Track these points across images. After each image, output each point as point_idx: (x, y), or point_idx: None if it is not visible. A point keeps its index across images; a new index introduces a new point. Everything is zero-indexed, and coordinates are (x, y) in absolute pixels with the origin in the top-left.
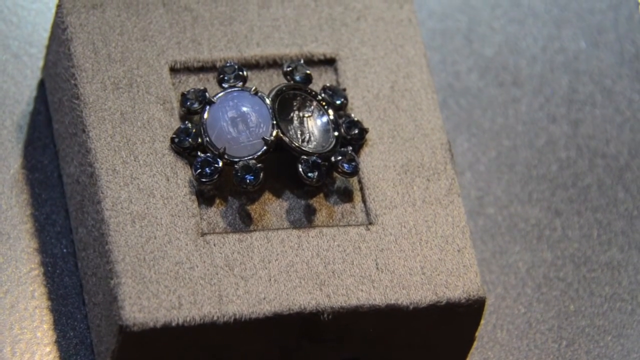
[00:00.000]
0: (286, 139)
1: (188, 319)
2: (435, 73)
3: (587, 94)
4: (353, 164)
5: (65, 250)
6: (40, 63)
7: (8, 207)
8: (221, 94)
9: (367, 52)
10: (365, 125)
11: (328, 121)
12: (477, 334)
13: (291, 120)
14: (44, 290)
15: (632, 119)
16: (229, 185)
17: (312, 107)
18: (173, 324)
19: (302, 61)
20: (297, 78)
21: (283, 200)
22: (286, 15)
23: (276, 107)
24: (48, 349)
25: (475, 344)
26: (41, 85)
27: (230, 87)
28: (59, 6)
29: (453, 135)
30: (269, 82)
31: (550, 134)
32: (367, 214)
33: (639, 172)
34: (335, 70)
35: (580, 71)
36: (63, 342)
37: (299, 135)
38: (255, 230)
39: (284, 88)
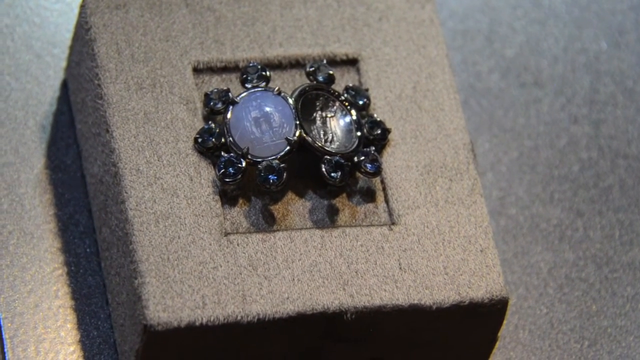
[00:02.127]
0: (309, 139)
1: (212, 319)
2: (457, 73)
3: (609, 95)
4: (376, 164)
5: (88, 250)
6: (63, 63)
7: (32, 207)
8: (244, 94)
9: (389, 53)
10: (388, 125)
11: (351, 121)
12: (499, 334)
13: (314, 121)
14: (68, 290)
15: None
16: (252, 185)
17: (335, 107)
18: (197, 324)
19: (324, 61)
20: (320, 78)
21: (306, 200)
22: (309, 15)
23: (299, 107)
24: (72, 348)
25: (497, 344)
26: (64, 85)
27: (254, 87)
28: (82, 6)
29: (474, 136)
30: (291, 82)
31: (571, 135)
32: (390, 214)
33: None
34: (358, 70)
35: (602, 72)
36: (87, 341)
37: (321, 136)
38: (278, 230)
39: (307, 88)
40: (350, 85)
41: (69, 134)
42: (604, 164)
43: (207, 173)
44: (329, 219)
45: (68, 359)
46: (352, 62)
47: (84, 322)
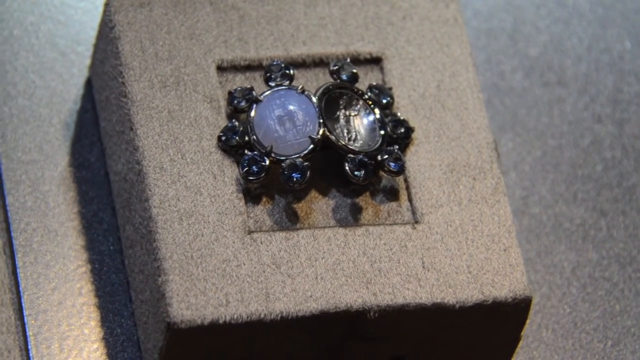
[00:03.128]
0: (333, 138)
1: (235, 317)
2: (480, 73)
3: (633, 94)
4: (399, 162)
5: (112, 248)
6: (88, 61)
7: (55, 204)
8: (268, 92)
9: (413, 51)
10: (412, 124)
11: (374, 120)
12: (522, 333)
13: (337, 119)
14: (91, 287)
15: None
16: (276, 184)
17: (359, 105)
18: (220, 322)
19: (348, 60)
20: (344, 77)
21: (329, 199)
22: (332, 14)
23: (323, 105)
24: (95, 346)
25: (520, 343)
26: (88, 83)
27: (277, 85)
28: (107, 4)
29: (498, 135)
30: (315, 80)
31: (595, 134)
32: (413, 212)
33: None
34: (381, 69)
35: (625, 71)
36: (110, 338)
37: (345, 134)
38: (301, 229)
39: (331, 87)
40: (374, 83)
41: (93, 132)
42: (628, 163)
43: (230, 171)
44: (352, 218)
45: (91, 356)
46: (375, 61)
47: (108, 320)
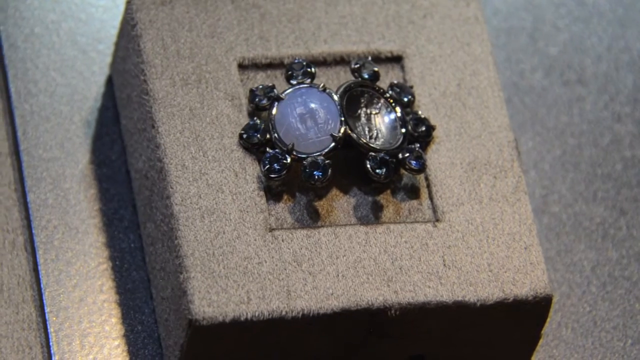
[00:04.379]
0: (354, 136)
1: (257, 314)
2: (500, 71)
3: None
4: (420, 160)
5: (133, 245)
6: (109, 59)
7: (77, 202)
8: (289, 90)
9: (433, 50)
10: (432, 122)
11: (395, 118)
12: (543, 331)
13: (359, 117)
14: (112, 284)
15: None
16: (297, 181)
17: (380, 104)
18: (242, 319)
19: (369, 58)
20: (365, 75)
21: (350, 197)
22: (353, 12)
23: (344, 103)
24: (116, 343)
25: (540, 341)
26: (109, 81)
27: (299, 83)
28: (128, 2)
29: (518, 134)
30: (336, 79)
31: (615, 133)
32: (434, 210)
33: None
34: (402, 67)
35: None
36: (131, 335)
37: (366, 132)
38: (323, 226)
39: (352, 85)
40: (395, 82)
41: (114, 130)
42: None
43: (252, 169)
44: (373, 216)
45: (112, 353)
46: (396, 59)
47: (129, 317)
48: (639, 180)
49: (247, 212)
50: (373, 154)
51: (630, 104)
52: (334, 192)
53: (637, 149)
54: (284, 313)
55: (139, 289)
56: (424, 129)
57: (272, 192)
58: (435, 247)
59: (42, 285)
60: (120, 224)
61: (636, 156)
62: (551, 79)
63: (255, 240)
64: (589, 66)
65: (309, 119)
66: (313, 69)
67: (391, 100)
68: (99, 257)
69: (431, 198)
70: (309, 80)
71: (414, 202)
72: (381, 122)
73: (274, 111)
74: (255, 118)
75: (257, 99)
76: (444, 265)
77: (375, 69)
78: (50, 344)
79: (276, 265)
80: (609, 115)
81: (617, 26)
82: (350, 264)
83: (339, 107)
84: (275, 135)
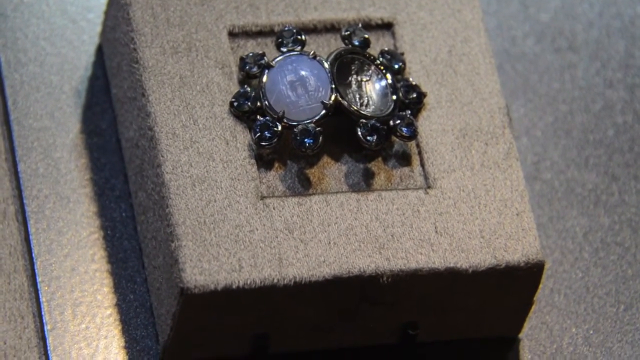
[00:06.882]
0: (345, 103)
1: (248, 282)
2: (492, 38)
3: None
4: (411, 127)
5: (124, 214)
6: (98, 28)
7: (67, 171)
8: (280, 58)
9: (424, 17)
10: (423, 89)
11: (386, 85)
12: (535, 297)
13: (349, 84)
14: (104, 254)
15: None
16: (288, 149)
17: (370, 71)
18: (234, 287)
19: (360, 25)
20: (356, 42)
21: (342, 164)
22: None
23: (335, 71)
24: (108, 312)
25: (533, 307)
26: (99, 50)
27: (289, 51)
28: None
29: (509, 101)
30: (326, 46)
31: (606, 99)
32: (426, 177)
33: None
34: (393, 34)
35: (637, 36)
36: (123, 304)
37: (357, 99)
38: (314, 194)
39: (342, 52)
40: (386, 49)
41: (104, 99)
42: (639, 128)
43: (242, 137)
44: (364, 183)
45: (104, 322)
46: (387, 26)
47: (120, 286)
48: (631, 146)
49: (238, 180)
50: (364, 121)
51: (621, 70)
52: (325, 159)
53: (629, 114)
54: (275, 281)
55: (130, 258)
56: (414, 95)
57: (263, 160)
58: (426, 214)
59: (33, 255)
60: (111, 193)
61: (628, 122)
62: (542, 46)
63: (246, 208)
64: (580, 32)
65: (300, 87)
66: (303, 37)
67: (382, 68)
68: (90, 226)
69: (422, 165)
70: (299, 48)
71: (405, 169)
72: (372, 89)
73: (264, 79)
74: (245, 86)
75: (247, 67)
76: (436, 232)
77: (366, 36)
78: (42, 313)
79: (268, 233)
80: (600, 81)
81: None
82: (342, 232)
83: (329, 74)
84: (266, 102)
